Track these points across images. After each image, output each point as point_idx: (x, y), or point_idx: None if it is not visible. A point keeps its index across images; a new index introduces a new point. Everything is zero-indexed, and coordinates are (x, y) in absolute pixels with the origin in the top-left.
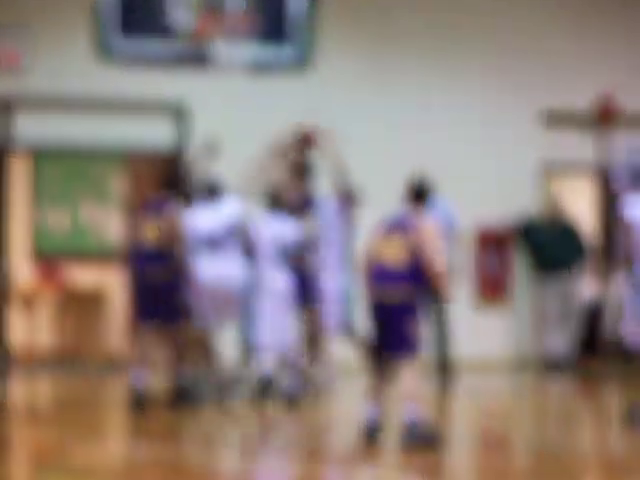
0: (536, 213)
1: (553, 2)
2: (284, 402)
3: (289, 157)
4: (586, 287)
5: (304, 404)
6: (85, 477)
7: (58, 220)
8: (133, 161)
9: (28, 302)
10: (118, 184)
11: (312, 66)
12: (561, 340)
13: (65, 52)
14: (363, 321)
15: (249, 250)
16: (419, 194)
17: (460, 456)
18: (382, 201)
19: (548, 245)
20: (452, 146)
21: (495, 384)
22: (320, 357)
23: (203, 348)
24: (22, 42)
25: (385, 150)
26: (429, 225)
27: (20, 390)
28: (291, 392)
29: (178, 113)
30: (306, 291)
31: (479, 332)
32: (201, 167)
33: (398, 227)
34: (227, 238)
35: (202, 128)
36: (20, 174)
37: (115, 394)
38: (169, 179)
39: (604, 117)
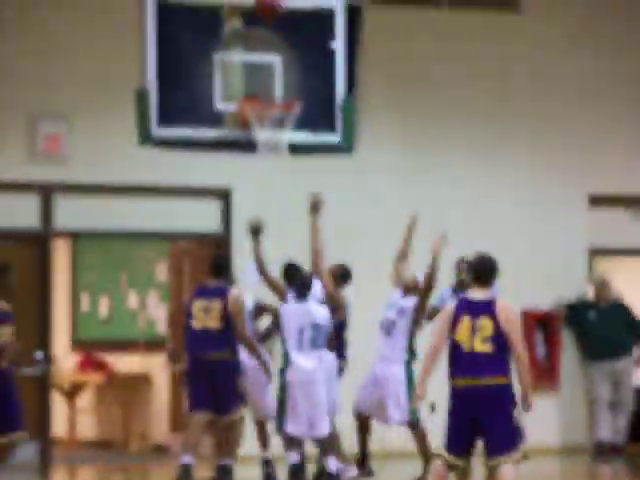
0: (584, 295)
1: (602, 85)
2: None
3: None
4: (638, 371)
5: None
6: None
7: (100, 306)
8: (176, 246)
9: (70, 390)
10: (161, 270)
11: (354, 149)
12: (612, 426)
13: (106, 138)
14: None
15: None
16: (489, 274)
17: None
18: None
19: (597, 327)
20: (497, 226)
21: (544, 470)
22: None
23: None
24: (63, 128)
25: (429, 231)
26: (513, 310)
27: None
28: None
29: (222, 197)
30: None
31: (526, 417)
32: (250, 249)
33: (483, 311)
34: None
35: (246, 212)
36: (61, 260)
37: None
38: (218, 265)
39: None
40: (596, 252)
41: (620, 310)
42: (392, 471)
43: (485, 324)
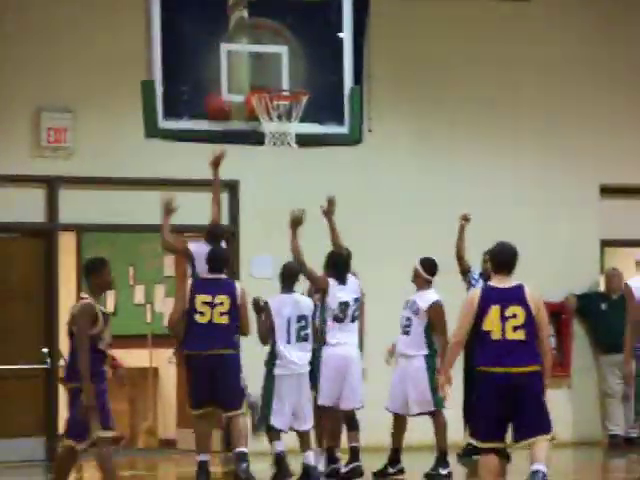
0: (595, 286)
1: (614, 80)
2: None
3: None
4: None
5: None
6: None
7: (106, 300)
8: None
9: None
10: (168, 264)
11: (362, 141)
12: (625, 419)
13: (112, 130)
14: None
15: None
16: (511, 261)
17: None
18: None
19: (608, 318)
20: (508, 215)
21: (557, 464)
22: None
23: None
24: (68, 121)
25: (441, 227)
26: (540, 296)
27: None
28: None
29: (228, 189)
30: None
31: None
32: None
33: (513, 300)
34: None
35: (253, 204)
36: (67, 254)
37: (167, 476)
38: (218, 259)
39: None
40: (607, 243)
41: None
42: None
43: (516, 312)
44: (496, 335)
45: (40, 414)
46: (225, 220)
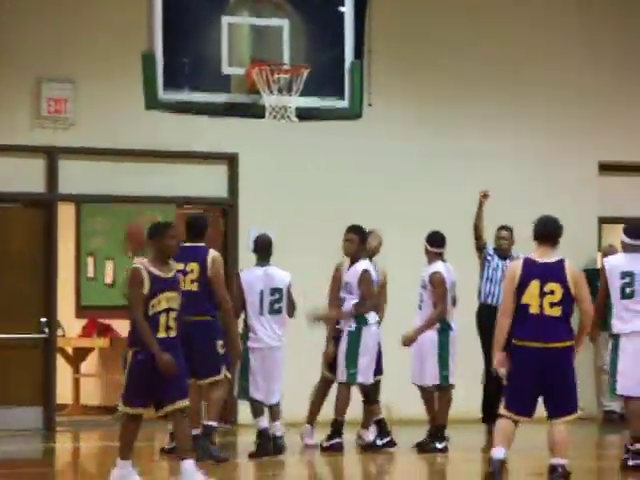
0: (593, 263)
1: (619, 58)
2: None
3: None
4: None
5: None
6: None
7: (105, 270)
8: (181, 212)
9: (75, 355)
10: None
11: (362, 115)
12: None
13: (112, 101)
14: None
15: None
16: (554, 235)
17: None
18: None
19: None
20: (507, 192)
21: None
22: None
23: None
24: (69, 91)
25: (443, 198)
26: (579, 272)
27: (67, 445)
28: None
29: (227, 162)
30: None
31: None
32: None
33: (552, 276)
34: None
35: (252, 177)
36: (66, 225)
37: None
38: (194, 226)
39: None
40: (605, 220)
41: None
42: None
43: (555, 289)
44: (534, 309)
45: (38, 384)
46: (224, 193)
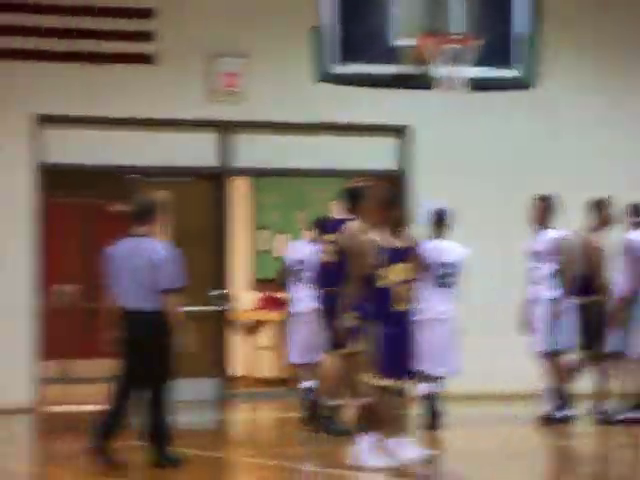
0: None
1: None
2: None
3: None
4: None
5: None
6: None
7: (279, 245)
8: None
9: (250, 328)
10: (334, 209)
11: (536, 85)
12: None
13: (283, 75)
14: None
15: None
16: None
17: None
18: None
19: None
20: None
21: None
22: None
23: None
24: (241, 66)
25: (621, 164)
26: None
27: (243, 417)
28: None
29: (399, 135)
30: None
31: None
32: None
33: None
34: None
35: (423, 149)
36: (239, 198)
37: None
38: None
39: None
40: None
41: None
42: None
43: None
44: None
45: (214, 355)
46: (394, 165)
